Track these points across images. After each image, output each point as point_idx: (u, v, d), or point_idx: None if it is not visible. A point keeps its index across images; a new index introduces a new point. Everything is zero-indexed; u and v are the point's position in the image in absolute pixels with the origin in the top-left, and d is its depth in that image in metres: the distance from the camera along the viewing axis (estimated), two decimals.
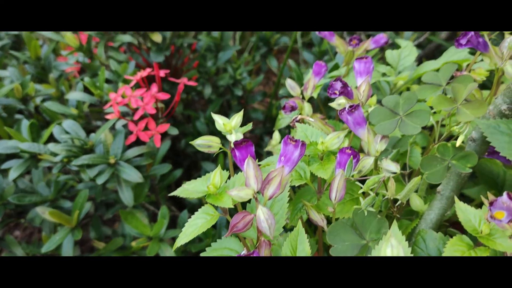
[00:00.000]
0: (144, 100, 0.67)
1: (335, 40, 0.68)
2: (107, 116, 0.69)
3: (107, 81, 0.81)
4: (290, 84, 0.64)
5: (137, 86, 0.75)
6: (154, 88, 0.69)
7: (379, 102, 0.58)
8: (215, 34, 0.98)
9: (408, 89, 0.69)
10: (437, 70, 0.62)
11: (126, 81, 0.79)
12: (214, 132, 0.96)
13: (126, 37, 0.82)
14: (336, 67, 0.77)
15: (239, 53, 1.15)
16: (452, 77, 0.53)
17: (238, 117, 0.52)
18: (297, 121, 0.56)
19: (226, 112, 1.04)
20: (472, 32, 0.48)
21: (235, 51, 1.03)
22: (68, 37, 0.81)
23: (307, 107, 0.62)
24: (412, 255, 0.38)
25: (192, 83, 0.74)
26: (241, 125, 1.08)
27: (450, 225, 0.54)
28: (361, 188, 0.45)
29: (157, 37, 0.86)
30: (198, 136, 0.95)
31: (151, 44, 0.87)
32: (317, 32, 0.67)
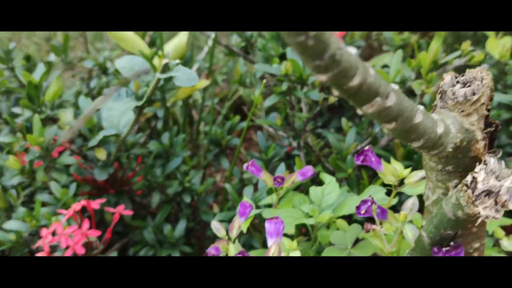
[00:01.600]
0: (74, 239, 0.68)
1: (262, 175, 0.70)
2: (38, 254, 0.69)
3: (47, 204, 0.82)
4: (215, 226, 0.65)
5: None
6: (86, 224, 0.70)
7: None
8: (165, 141, 1.00)
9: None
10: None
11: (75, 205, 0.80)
12: (162, 241, 0.96)
13: (69, 159, 0.84)
14: (271, 190, 0.79)
15: (191, 156, 1.17)
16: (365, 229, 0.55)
17: None
18: None
19: (177, 215, 1.05)
20: (369, 201, 0.50)
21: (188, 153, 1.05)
22: (10, 161, 0.82)
23: (232, 250, 0.63)
24: None
25: (127, 212, 0.75)
26: (194, 233, 1.08)
27: None
28: None
29: (101, 154, 0.88)
30: (146, 246, 0.94)
31: (95, 160, 0.89)
32: (244, 167, 0.69)
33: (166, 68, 0.71)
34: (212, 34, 1.08)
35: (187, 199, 0.97)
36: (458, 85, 0.42)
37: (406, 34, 1.00)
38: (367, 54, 1.54)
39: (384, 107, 0.31)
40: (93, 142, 0.82)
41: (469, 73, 0.42)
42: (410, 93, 0.91)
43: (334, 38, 0.25)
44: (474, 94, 0.40)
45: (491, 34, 0.97)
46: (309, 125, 1.04)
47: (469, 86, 0.41)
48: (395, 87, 0.32)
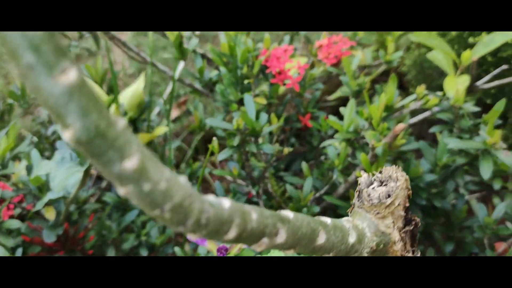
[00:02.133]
0: None
1: (207, 245, 0.68)
2: None
3: None
4: None
5: None
6: None
7: None
8: None
9: None
10: None
11: None
12: None
13: (15, 223, 0.81)
14: None
15: None
16: None
17: None
18: None
19: None
20: None
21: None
22: None
23: None
24: None
25: None
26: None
27: None
28: None
29: (50, 214, 0.85)
30: None
31: (45, 219, 0.87)
32: (187, 237, 0.68)
33: None
34: (176, 73, 1.07)
35: (144, 253, 0.95)
36: (376, 183, 0.41)
37: (362, 78, 1.00)
38: (338, 81, 1.55)
39: (274, 245, 0.30)
40: (39, 205, 0.80)
41: (386, 171, 0.41)
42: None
43: (197, 203, 0.24)
44: (389, 196, 0.39)
45: (450, 71, 0.98)
46: (269, 170, 1.03)
47: (385, 185, 0.40)
48: (290, 216, 0.31)
